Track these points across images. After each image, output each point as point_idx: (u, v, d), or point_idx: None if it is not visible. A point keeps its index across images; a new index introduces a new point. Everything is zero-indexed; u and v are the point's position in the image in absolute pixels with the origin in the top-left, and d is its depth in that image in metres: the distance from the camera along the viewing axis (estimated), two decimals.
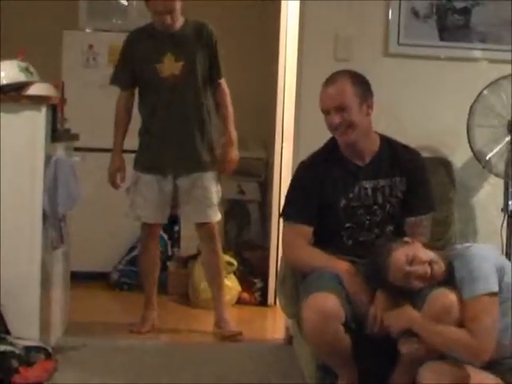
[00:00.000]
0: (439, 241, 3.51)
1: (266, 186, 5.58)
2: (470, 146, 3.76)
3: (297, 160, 3.73)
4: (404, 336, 2.79)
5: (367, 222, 3.15)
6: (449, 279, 2.78)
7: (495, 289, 2.66)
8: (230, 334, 4.20)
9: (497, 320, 2.64)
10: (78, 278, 4.60)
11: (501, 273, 2.70)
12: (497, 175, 3.80)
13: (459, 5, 4.00)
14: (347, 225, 3.14)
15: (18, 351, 3.31)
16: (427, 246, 2.93)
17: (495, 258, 2.79)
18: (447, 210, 3.71)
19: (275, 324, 4.63)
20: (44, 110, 3.56)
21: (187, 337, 4.28)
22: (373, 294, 2.96)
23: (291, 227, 3.20)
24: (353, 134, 3.10)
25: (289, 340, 4.03)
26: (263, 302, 5.00)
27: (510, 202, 3.72)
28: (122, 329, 4.27)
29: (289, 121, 4.69)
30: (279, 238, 4.73)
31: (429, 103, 4.00)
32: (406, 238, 2.95)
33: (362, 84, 3.15)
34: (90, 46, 5.48)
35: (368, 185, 3.16)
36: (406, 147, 3.28)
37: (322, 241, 3.15)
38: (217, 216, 4.27)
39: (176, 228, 5.33)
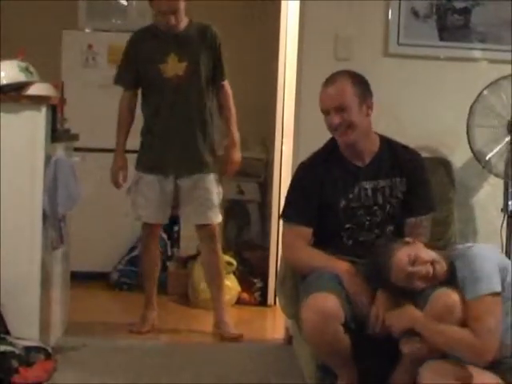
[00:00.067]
0: (439, 241, 3.51)
1: (265, 186, 5.58)
2: (470, 147, 3.76)
3: (296, 160, 3.73)
4: (406, 336, 2.79)
5: (367, 223, 3.15)
6: (451, 279, 2.78)
7: (498, 289, 2.66)
8: (229, 336, 4.20)
9: (500, 320, 2.64)
10: (77, 278, 4.60)
11: (503, 273, 2.70)
12: (496, 175, 3.80)
13: (459, 5, 4.00)
14: (347, 225, 3.14)
15: (17, 351, 3.31)
16: (429, 245, 2.93)
17: (497, 257, 2.79)
18: (447, 210, 3.71)
19: (275, 324, 4.63)
20: (44, 110, 3.56)
21: (187, 337, 4.28)
22: (373, 294, 2.96)
23: (291, 228, 3.20)
24: (352, 135, 3.10)
25: (288, 340, 4.04)
26: (263, 302, 5.00)
27: (509, 202, 3.72)
28: (121, 329, 4.27)
29: (289, 121, 4.69)
30: (279, 238, 4.73)
31: (428, 103, 4.00)
32: (407, 238, 2.95)
33: (361, 84, 3.15)
34: (90, 46, 5.48)
35: (368, 185, 3.15)
36: (405, 147, 3.28)
37: (321, 241, 3.15)
38: (217, 218, 4.27)
39: (176, 228, 5.33)
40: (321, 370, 3.07)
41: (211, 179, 4.19)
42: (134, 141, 4.28)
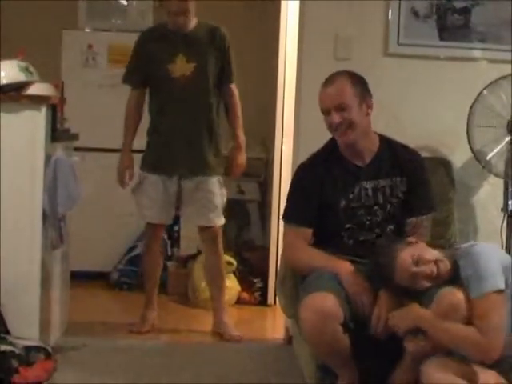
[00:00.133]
0: (439, 240, 3.50)
1: (265, 186, 5.58)
2: (470, 146, 3.76)
3: (297, 160, 3.73)
4: (410, 334, 2.79)
5: (368, 223, 3.15)
6: (454, 278, 2.79)
7: (502, 286, 2.66)
8: (229, 337, 4.21)
9: (505, 317, 2.64)
10: (77, 278, 4.60)
11: (506, 271, 2.71)
12: (496, 175, 3.80)
13: (459, 5, 4.00)
14: (347, 225, 3.14)
15: (17, 351, 3.31)
16: (431, 245, 2.94)
17: (500, 256, 2.81)
18: (447, 210, 3.71)
19: (275, 324, 4.63)
20: (44, 109, 3.56)
21: (187, 337, 4.28)
22: (374, 294, 2.95)
23: (292, 229, 3.20)
24: (352, 134, 3.10)
25: (288, 340, 4.03)
26: (263, 301, 5.00)
27: (509, 202, 3.72)
28: (121, 329, 4.27)
29: (289, 120, 4.69)
30: (279, 237, 4.74)
31: (428, 103, 4.00)
32: (410, 238, 2.95)
33: (360, 84, 3.15)
34: (90, 46, 5.48)
35: (368, 185, 3.15)
36: (405, 147, 3.28)
37: (322, 241, 3.15)
38: (220, 220, 4.26)
39: (176, 228, 5.33)
40: (321, 370, 3.06)
41: (215, 181, 4.19)
42: (138, 140, 4.28)
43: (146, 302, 4.37)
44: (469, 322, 2.68)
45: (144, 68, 4.18)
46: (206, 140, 4.16)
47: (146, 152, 4.25)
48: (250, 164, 4.61)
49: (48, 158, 3.59)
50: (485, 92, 3.74)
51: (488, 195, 4.01)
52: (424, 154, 3.42)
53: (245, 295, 4.99)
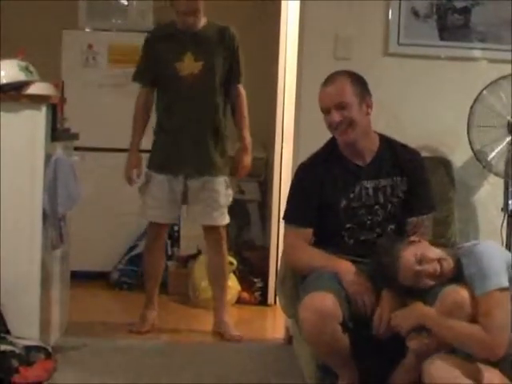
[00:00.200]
0: (440, 240, 3.50)
1: (265, 186, 5.58)
2: (471, 146, 3.76)
3: (297, 160, 3.73)
4: (413, 332, 2.78)
5: (368, 222, 3.15)
6: (457, 276, 2.79)
7: (506, 284, 2.67)
8: (229, 337, 4.21)
9: (509, 315, 2.64)
10: (77, 278, 4.60)
11: (510, 269, 2.71)
12: (497, 175, 3.80)
13: (459, 4, 3.99)
14: (348, 225, 3.14)
15: (18, 351, 3.31)
16: (434, 243, 2.94)
17: (503, 254, 2.81)
18: (447, 210, 3.71)
19: (275, 324, 4.63)
20: (44, 109, 3.56)
21: (187, 337, 4.28)
22: (375, 293, 2.95)
23: (292, 230, 3.20)
24: (352, 133, 3.10)
25: (289, 340, 4.03)
26: (263, 301, 5.00)
27: (509, 202, 3.72)
28: (121, 329, 4.27)
29: (289, 120, 4.69)
30: (279, 237, 4.74)
31: (429, 103, 4.00)
32: (412, 238, 2.95)
33: (360, 84, 3.16)
34: (90, 46, 5.48)
35: (369, 184, 3.15)
36: (405, 147, 3.28)
37: (322, 241, 3.15)
38: (224, 219, 4.26)
39: (176, 228, 5.32)
40: (321, 370, 3.06)
41: (220, 181, 4.19)
42: (149, 140, 4.29)
43: (147, 301, 4.37)
44: (473, 320, 2.68)
45: (153, 66, 4.19)
46: (212, 140, 4.16)
47: (153, 151, 4.25)
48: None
49: (48, 157, 3.59)
50: (485, 92, 3.74)
51: (488, 195, 4.01)
52: (424, 154, 3.42)
53: (245, 295, 4.99)
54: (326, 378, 3.04)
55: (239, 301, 4.95)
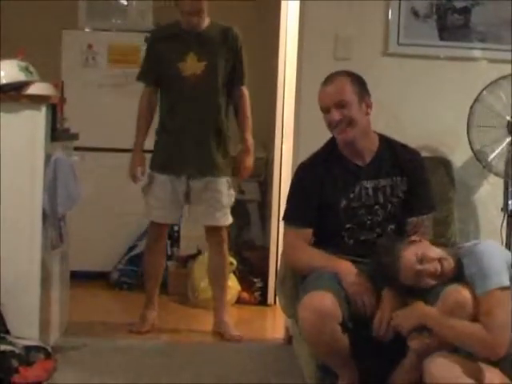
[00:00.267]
0: (440, 239, 3.50)
1: (265, 186, 5.58)
2: (471, 146, 3.76)
3: (297, 160, 3.73)
4: (414, 331, 2.78)
5: (368, 222, 3.14)
6: (458, 276, 2.80)
7: (507, 283, 2.67)
8: (229, 337, 4.21)
9: (510, 314, 2.64)
10: (77, 278, 4.60)
11: (510, 268, 2.71)
12: (496, 174, 3.80)
13: (459, 4, 4.00)
14: (348, 225, 3.13)
15: (17, 351, 3.31)
16: (434, 243, 2.95)
17: (504, 253, 2.82)
18: (447, 210, 3.71)
19: (275, 324, 4.63)
20: (44, 109, 3.55)
21: (187, 337, 4.28)
22: (375, 294, 2.95)
23: (292, 230, 3.20)
24: (352, 132, 3.10)
25: (288, 340, 4.03)
26: (263, 301, 5.00)
27: (509, 202, 3.72)
28: (121, 329, 4.27)
29: (289, 120, 4.69)
30: (279, 237, 4.74)
31: (428, 103, 4.00)
32: (413, 237, 2.96)
33: (360, 84, 3.16)
34: (90, 46, 5.48)
35: (369, 184, 3.15)
36: (405, 147, 3.28)
37: (322, 241, 3.15)
38: (227, 220, 4.26)
39: (176, 228, 5.32)
40: (321, 370, 3.06)
41: (223, 182, 4.18)
42: (152, 140, 4.29)
43: (147, 301, 4.37)
44: (475, 319, 2.68)
45: (156, 66, 4.19)
46: (214, 141, 4.16)
47: (155, 151, 4.25)
48: None
49: (48, 157, 3.59)
50: (485, 92, 3.74)
51: (488, 195, 4.01)
52: (424, 154, 3.42)
53: (245, 295, 4.99)
54: (325, 378, 3.04)
55: (239, 301, 4.95)
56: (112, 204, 5.30)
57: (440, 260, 2.83)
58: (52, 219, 3.66)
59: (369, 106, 3.16)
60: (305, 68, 4.00)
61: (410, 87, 4.00)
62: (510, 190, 3.72)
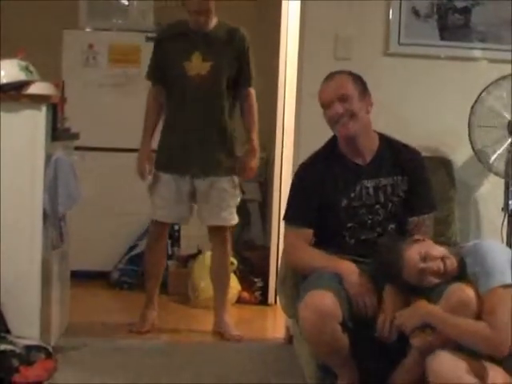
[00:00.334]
0: (440, 238, 3.50)
1: (266, 186, 5.58)
2: (472, 146, 3.76)
3: (297, 160, 3.73)
4: (416, 329, 2.78)
5: (369, 222, 3.14)
6: (461, 276, 2.80)
7: (510, 281, 2.67)
8: (230, 336, 4.20)
9: None
10: (78, 277, 4.60)
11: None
12: (497, 174, 3.80)
13: (460, 4, 4.00)
14: (349, 224, 3.13)
15: (18, 350, 3.31)
16: (437, 242, 2.95)
17: (506, 252, 2.82)
18: (448, 209, 3.71)
19: (275, 323, 4.63)
20: (44, 109, 3.55)
21: (187, 336, 4.28)
22: (376, 294, 2.95)
23: (292, 230, 3.20)
24: (354, 127, 3.10)
25: (289, 339, 4.03)
26: (263, 301, 5.00)
27: (510, 202, 3.72)
28: (122, 328, 4.26)
29: (289, 120, 4.69)
30: (279, 237, 4.73)
31: (429, 102, 4.00)
32: (416, 236, 2.97)
33: (360, 82, 3.18)
34: (90, 46, 5.48)
35: (370, 184, 3.15)
36: (405, 146, 3.28)
37: (323, 241, 3.15)
38: (233, 219, 4.26)
39: (176, 227, 5.32)
40: (321, 370, 3.06)
41: (227, 181, 4.17)
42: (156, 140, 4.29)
43: (147, 301, 4.36)
44: (478, 318, 2.68)
45: (162, 64, 4.19)
46: (218, 141, 4.15)
47: (159, 151, 4.24)
48: None
49: (48, 157, 3.59)
50: (485, 92, 3.74)
51: (488, 194, 4.01)
52: (425, 154, 3.42)
53: (245, 295, 4.99)
54: (326, 377, 3.04)
55: (239, 300, 4.95)
56: (112, 203, 5.30)
57: (443, 258, 2.84)
58: (52, 219, 3.66)
59: (369, 104, 3.16)
60: (305, 68, 4.00)
61: (410, 87, 4.00)
62: (510, 189, 3.71)
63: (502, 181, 3.77)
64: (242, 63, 4.17)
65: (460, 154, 3.96)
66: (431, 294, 2.84)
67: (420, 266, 2.83)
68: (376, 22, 3.98)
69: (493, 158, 3.76)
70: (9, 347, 3.30)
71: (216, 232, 4.27)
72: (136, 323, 4.29)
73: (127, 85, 5.33)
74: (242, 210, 4.34)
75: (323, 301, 2.84)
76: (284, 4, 4.86)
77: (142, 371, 3.61)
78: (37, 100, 3.55)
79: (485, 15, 4.01)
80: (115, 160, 5.16)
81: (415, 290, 2.89)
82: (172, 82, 4.17)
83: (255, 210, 5.73)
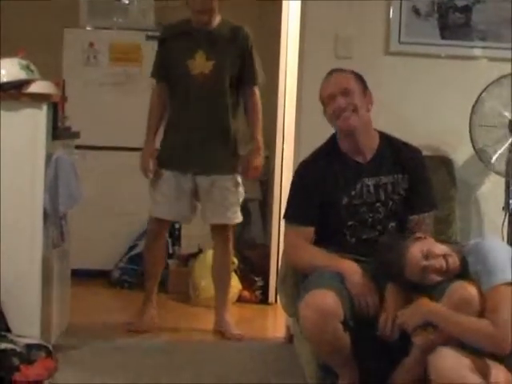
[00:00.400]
0: (441, 237, 3.50)
1: (266, 185, 5.58)
2: (473, 145, 3.76)
3: (298, 158, 3.73)
4: (418, 327, 2.78)
5: (370, 220, 3.14)
6: (463, 274, 2.80)
7: (511, 278, 2.67)
8: (230, 335, 4.20)
9: None
10: (78, 276, 4.60)
11: None
12: (498, 173, 3.80)
13: (460, 3, 4.00)
14: (350, 223, 3.13)
15: (18, 349, 3.30)
16: (438, 240, 2.96)
17: (508, 249, 2.82)
18: (448, 209, 3.71)
19: (276, 322, 4.63)
20: (45, 107, 3.55)
21: (187, 335, 4.28)
22: (378, 293, 2.95)
23: (293, 229, 3.20)
24: (356, 121, 3.10)
25: (289, 339, 4.03)
26: (264, 300, 5.00)
27: (510, 201, 3.72)
28: (122, 328, 4.26)
29: (290, 119, 4.69)
30: (280, 236, 4.73)
31: (430, 101, 4.00)
32: (418, 234, 2.97)
33: (361, 81, 3.19)
34: (91, 44, 5.48)
35: (370, 182, 3.15)
36: (406, 144, 3.28)
37: (324, 239, 3.14)
38: (237, 218, 4.26)
39: (177, 226, 5.32)
40: (322, 370, 3.06)
41: (229, 179, 4.17)
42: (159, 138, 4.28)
43: (145, 299, 4.36)
44: (481, 315, 2.68)
45: (166, 63, 4.19)
46: (220, 139, 4.14)
47: (162, 148, 4.24)
48: None
49: (49, 156, 3.59)
50: (486, 91, 3.73)
51: (489, 193, 4.01)
52: (425, 153, 3.42)
53: (246, 293, 4.99)
54: (326, 377, 3.04)
55: (240, 299, 4.95)
56: (113, 203, 5.30)
57: (445, 256, 2.84)
58: (53, 218, 3.66)
59: (370, 102, 3.17)
60: (306, 67, 3.99)
61: (411, 86, 4.00)
62: (511, 188, 3.72)
63: (503, 180, 3.77)
64: (245, 62, 4.17)
65: (461, 153, 3.96)
66: (433, 292, 2.84)
67: (422, 263, 2.83)
68: (376, 21, 3.98)
69: (494, 157, 3.76)
70: (9, 346, 3.30)
71: (219, 231, 4.27)
72: (134, 322, 4.28)
73: (128, 83, 5.33)
74: (242, 208, 4.34)
75: (325, 300, 2.83)
76: (284, 4, 4.87)
77: (141, 371, 3.61)
78: (37, 99, 3.55)
79: (485, 14, 4.01)
80: (116, 159, 5.16)
81: (417, 288, 2.89)
82: (175, 81, 4.17)
83: (256, 208, 5.72)
